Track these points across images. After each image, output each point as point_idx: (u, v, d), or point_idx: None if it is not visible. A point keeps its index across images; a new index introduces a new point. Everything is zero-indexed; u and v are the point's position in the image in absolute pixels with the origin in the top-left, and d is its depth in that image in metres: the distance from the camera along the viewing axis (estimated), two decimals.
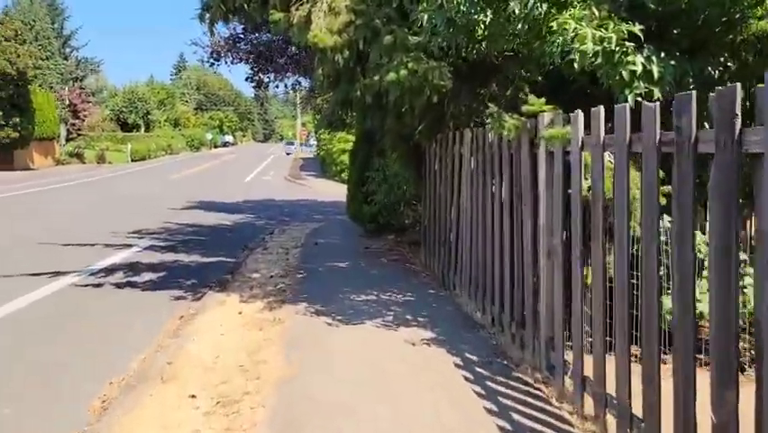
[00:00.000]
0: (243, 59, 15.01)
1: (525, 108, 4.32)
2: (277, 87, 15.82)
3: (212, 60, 14.97)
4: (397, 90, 5.33)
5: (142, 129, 66.00)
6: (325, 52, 6.20)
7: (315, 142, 56.91)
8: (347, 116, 7.68)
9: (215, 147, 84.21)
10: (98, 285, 7.57)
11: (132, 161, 48.11)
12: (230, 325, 5.49)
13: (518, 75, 5.47)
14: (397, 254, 9.06)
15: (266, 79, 15.76)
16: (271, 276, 7.84)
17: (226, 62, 14.95)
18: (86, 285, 7.59)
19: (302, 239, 11.30)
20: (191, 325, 5.58)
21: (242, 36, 14.64)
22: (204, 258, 9.82)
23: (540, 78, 5.41)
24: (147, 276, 8.17)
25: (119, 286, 7.57)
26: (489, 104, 5.50)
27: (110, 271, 8.46)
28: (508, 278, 4.78)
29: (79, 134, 44.14)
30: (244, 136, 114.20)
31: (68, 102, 42.70)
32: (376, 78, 5.57)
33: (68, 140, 42.23)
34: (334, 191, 26.75)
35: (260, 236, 12.13)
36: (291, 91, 15.77)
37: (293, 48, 14.54)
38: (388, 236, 10.90)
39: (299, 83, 15.92)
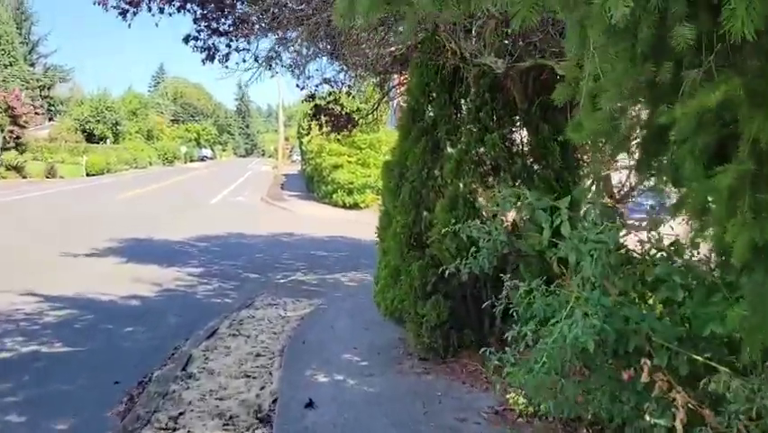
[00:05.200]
0: (180, 6, 8.54)
1: None
2: (243, 59, 9.22)
3: (124, 6, 8.46)
4: None
5: (109, 141, 59.53)
6: None
7: (299, 157, 51.03)
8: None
9: (192, 161, 77.68)
10: None
11: (89, 175, 41.59)
12: None
13: None
14: None
15: (222, 46, 9.23)
16: None
17: (150, 9, 8.45)
18: None
19: (274, 371, 4.80)
20: None
21: None
22: None
23: None
24: None
25: None
26: None
27: None
28: None
29: (18, 144, 37.15)
30: (224, 150, 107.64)
31: (5, 105, 35.71)
32: None
33: (4, 149, 35.27)
34: (327, 218, 20.29)
35: (186, 348, 5.63)
36: (264, 65, 8.89)
37: None
38: (480, 370, 4.54)
39: (278, 54, 9.38)
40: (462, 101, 5.00)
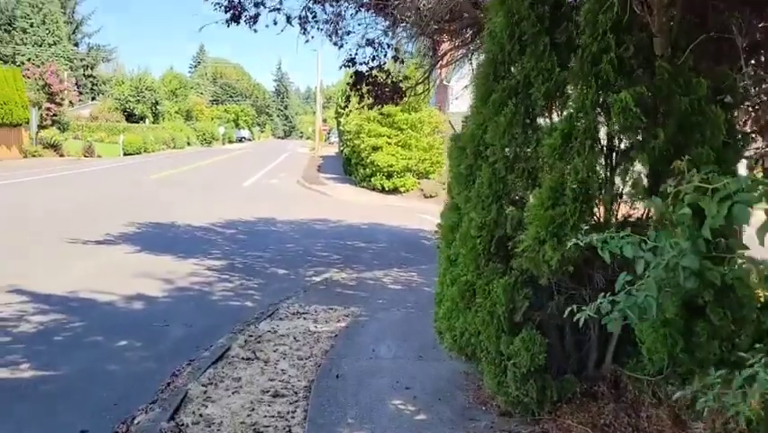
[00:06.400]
0: None
1: None
2: (274, 21, 7.83)
3: None
4: None
5: (148, 120, 59.43)
6: None
7: (337, 139, 49.95)
8: None
9: (230, 142, 77.35)
10: None
11: (126, 154, 41.20)
12: None
13: None
14: None
15: (249, 4, 7.86)
16: None
17: None
18: None
19: (295, 428, 3.43)
20: None
21: None
22: None
23: None
24: None
25: None
26: None
27: None
28: None
29: (55, 122, 36.74)
30: (263, 132, 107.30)
31: (42, 82, 35.26)
32: None
33: (41, 127, 34.90)
34: (365, 203, 18.94)
35: (183, 378, 4.31)
36: (298, 26, 7.35)
37: None
38: None
39: (312, 12, 7.92)
40: (570, 47, 3.47)
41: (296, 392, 3.94)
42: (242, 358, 4.59)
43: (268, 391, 3.94)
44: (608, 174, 3.41)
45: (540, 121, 3.64)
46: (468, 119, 3.85)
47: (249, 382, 4.11)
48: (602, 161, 3.41)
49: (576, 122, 3.28)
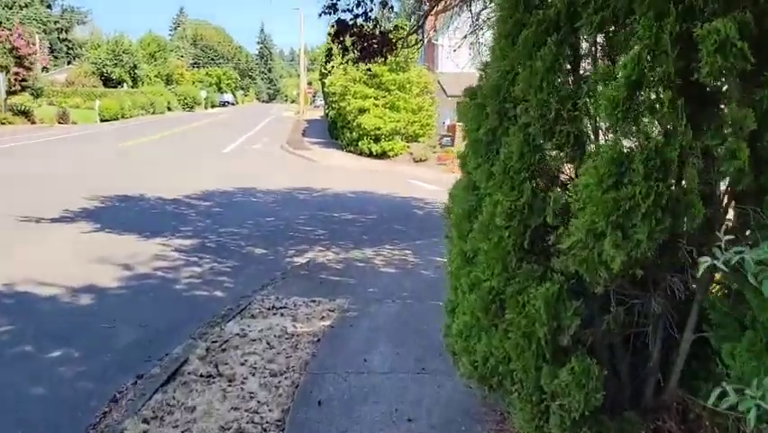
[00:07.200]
0: None
1: None
2: None
3: None
4: None
5: (126, 85, 57.37)
6: None
7: (322, 102, 48.50)
8: None
9: (213, 107, 75.31)
10: None
11: (102, 120, 39.63)
12: None
13: None
14: None
15: None
16: None
17: None
18: None
19: None
20: None
21: None
22: None
23: None
24: None
25: None
26: None
27: None
28: None
29: (25, 87, 34.92)
30: (246, 95, 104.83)
31: (10, 46, 33.28)
32: None
33: (10, 93, 33.16)
34: (351, 169, 17.88)
35: (122, 409, 3.38)
36: None
37: None
38: None
39: None
40: None
41: (265, 429, 3.03)
42: (201, 375, 3.66)
43: (228, 429, 3.03)
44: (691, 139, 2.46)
45: (601, 62, 2.65)
46: (488, 66, 2.85)
47: (206, 414, 3.19)
48: (683, 119, 2.45)
49: (647, 65, 2.30)
